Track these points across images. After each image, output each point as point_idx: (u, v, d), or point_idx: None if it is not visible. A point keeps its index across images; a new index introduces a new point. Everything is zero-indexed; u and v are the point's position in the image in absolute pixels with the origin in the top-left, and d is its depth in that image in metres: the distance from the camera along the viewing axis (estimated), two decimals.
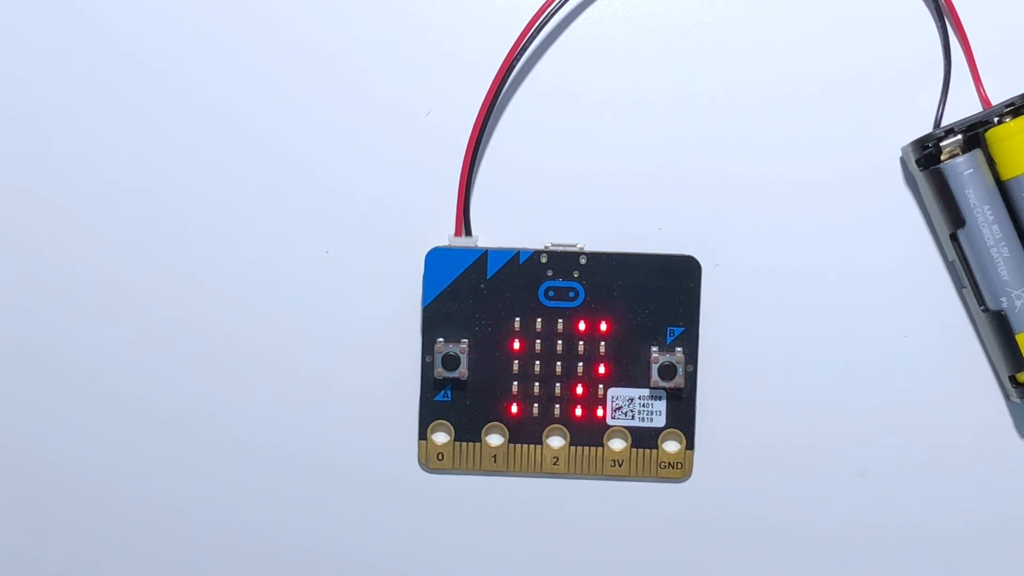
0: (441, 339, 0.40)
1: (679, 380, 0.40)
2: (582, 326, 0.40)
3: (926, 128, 0.40)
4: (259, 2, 0.41)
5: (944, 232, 0.39)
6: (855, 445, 0.41)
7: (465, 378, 0.40)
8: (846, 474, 0.41)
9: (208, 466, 0.41)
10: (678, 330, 0.40)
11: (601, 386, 0.40)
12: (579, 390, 0.40)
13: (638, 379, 0.40)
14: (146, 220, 0.41)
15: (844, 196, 0.40)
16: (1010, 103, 0.38)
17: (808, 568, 0.41)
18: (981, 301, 0.39)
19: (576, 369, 0.40)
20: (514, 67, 0.40)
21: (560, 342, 0.40)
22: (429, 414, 0.41)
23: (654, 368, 0.40)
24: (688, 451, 0.41)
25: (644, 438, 0.41)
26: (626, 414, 0.40)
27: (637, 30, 0.41)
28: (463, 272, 0.40)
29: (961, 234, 0.39)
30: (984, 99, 0.40)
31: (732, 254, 0.41)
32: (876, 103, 0.40)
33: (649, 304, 0.40)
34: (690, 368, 0.40)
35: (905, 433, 0.41)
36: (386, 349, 0.41)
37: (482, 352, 0.40)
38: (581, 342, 0.40)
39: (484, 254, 0.40)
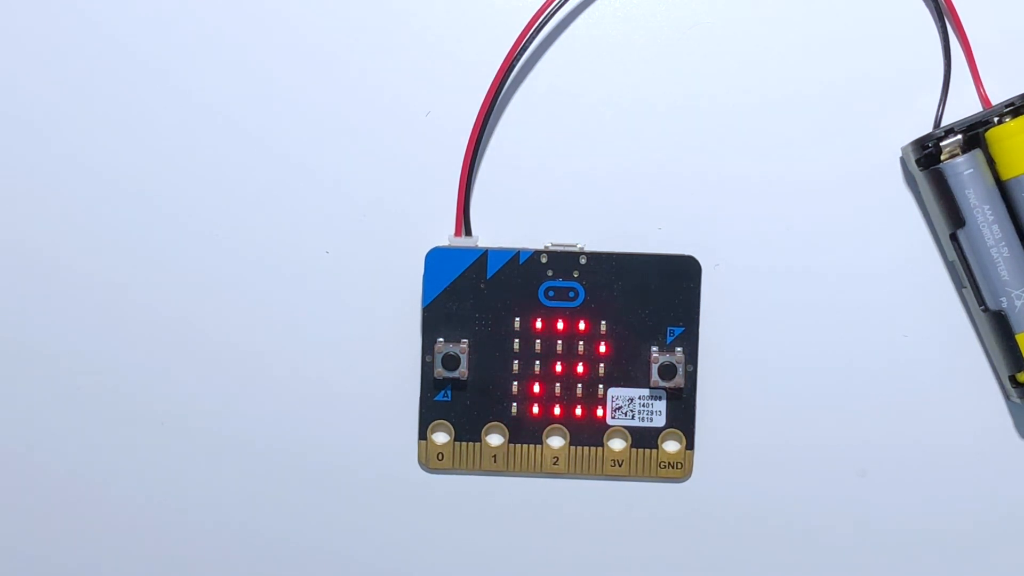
0: (441, 339, 0.40)
1: (679, 380, 0.40)
2: (582, 326, 0.40)
3: (926, 128, 0.40)
4: (259, 2, 0.41)
5: (944, 232, 0.39)
6: (855, 445, 0.41)
7: (465, 378, 0.40)
8: (846, 474, 0.41)
9: (208, 466, 0.41)
10: (678, 330, 0.40)
11: (601, 386, 0.40)
12: (579, 390, 0.40)
13: (638, 379, 0.40)
14: (146, 220, 0.41)
15: (844, 196, 0.40)
16: (1010, 103, 0.38)
17: (808, 568, 0.41)
18: (981, 301, 0.39)
19: (576, 369, 0.40)
20: (514, 67, 0.40)
21: (560, 342, 0.40)
22: (429, 414, 0.41)
23: (654, 368, 0.40)
24: (688, 451, 0.41)
25: (644, 438, 0.41)
26: (626, 414, 0.40)
27: (637, 30, 0.41)
28: (463, 272, 0.40)
29: (961, 234, 0.39)
30: (984, 99, 0.40)
31: (732, 254, 0.41)
32: (876, 103, 0.40)
33: (649, 304, 0.40)
34: (690, 368, 0.40)
35: (905, 433, 0.41)
36: (386, 349, 0.41)
37: (482, 352, 0.40)
38: (581, 342, 0.40)
39: (484, 254, 0.40)
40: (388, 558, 0.41)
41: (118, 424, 0.41)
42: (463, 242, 0.40)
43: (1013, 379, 0.39)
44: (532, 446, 0.41)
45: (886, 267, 0.40)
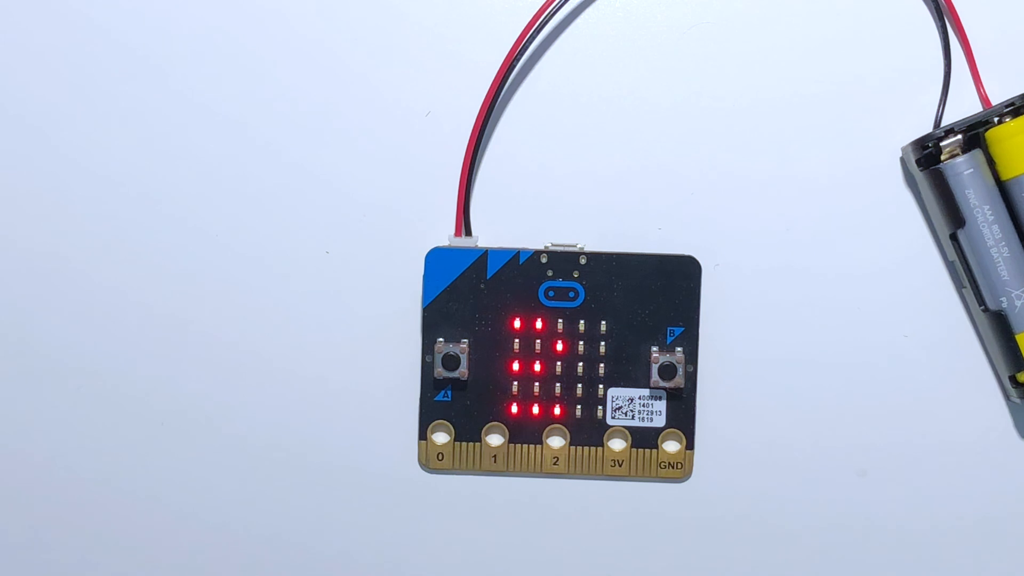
0: (441, 339, 0.40)
1: (679, 380, 0.40)
2: (582, 326, 0.40)
3: (926, 128, 0.40)
4: (259, 2, 0.41)
5: (944, 232, 0.39)
6: (855, 445, 0.41)
7: (465, 378, 0.40)
8: (846, 474, 0.41)
9: (208, 466, 0.41)
10: (678, 330, 0.40)
11: (601, 386, 0.40)
12: (579, 390, 0.40)
13: (638, 379, 0.40)
14: (147, 220, 0.41)
15: (844, 196, 0.40)
16: (1010, 103, 0.38)
17: (808, 568, 0.41)
18: (981, 301, 0.39)
19: (576, 369, 0.40)
20: (514, 67, 0.40)
21: (560, 342, 0.40)
22: (429, 414, 0.41)
23: (654, 368, 0.40)
24: (688, 451, 0.41)
25: (644, 438, 0.41)
26: (626, 414, 0.40)
27: (637, 30, 0.41)
28: (463, 272, 0.40)
29: (961, 234, 0.39)
30: (984, 99, 0.40)
31: (732, 254, 0.41)
32: (876, 103, 0.40)
33: (649, 304, 0.40)
34: (690, 368, 0.40)
35: (905, 433, 0.41)
36: (386, 349, 0.41)
37: (482, 352, 0.40)
38: (581, 342, 0.40)
39: (484, 254, 0.40)
40: (388, 558, 0.41)
41: (118, 424, 0.41)
42: (463, 242, 0.40)
43: (1013, 379, 0.39)
44: (532, 446, 0.41)
45: (886, 267, 0.40)
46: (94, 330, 0.41)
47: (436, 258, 0.40)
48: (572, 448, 0.41)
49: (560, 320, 0.40)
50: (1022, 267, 0.39)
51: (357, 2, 0.41)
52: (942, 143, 0.39)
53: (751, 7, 0.40)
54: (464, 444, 0.41)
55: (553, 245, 0.40)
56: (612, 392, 0.40)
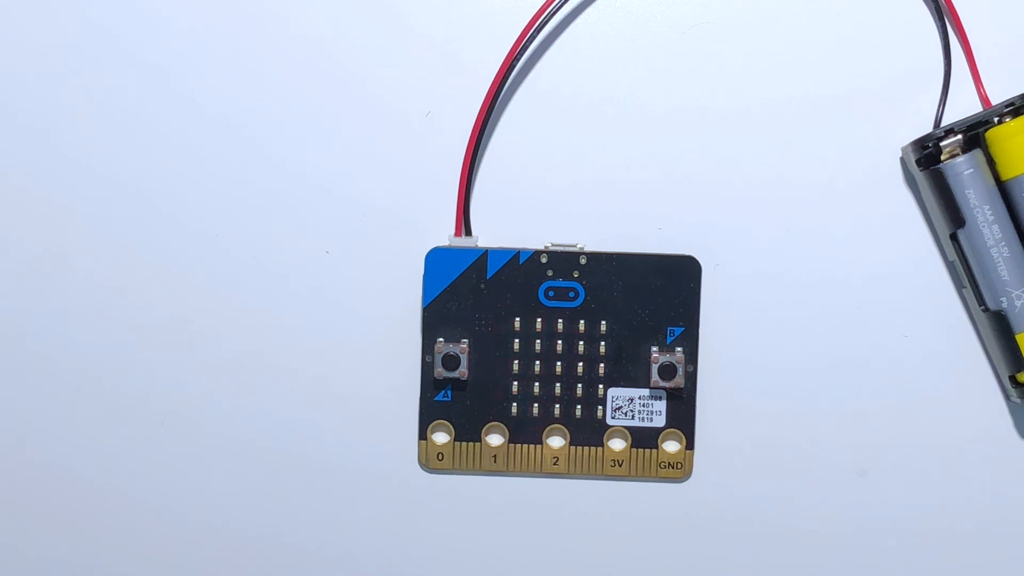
0: (441, 339, 0.40)
1: (679, 380, 0.40)
2: (582, 326, 0.40)
3: (926, 128, 0.40)
4: (259, 3, 0.41)
5: (944, 232, 0.39)
6: (855, 445, 0.41)
7: (465, 378, 0.40)
8: (846, 474, 0.41)
9: (208, 466, 0.41)
10: (678, 330, 0.40)
11: (601, 386, 0.40)
12: (579, 390, 0.40)
13: (638, 379, 0.40)
14: (147, 220, 0.41)
15: (844, 196, 0.40)
16: (1010, 103, 0.38)
17: (808, 568, 0.41)
18: (981, 301, 0.39)
19: (576, 369, 0.40)
20: (514, 67, 0.40)
21: (560, 342, 0.40)
22: (429, 414, 0.41)
23: (654, 368, 0.40)
24: (688, 451, 0.41)
25: (644, 438, 0.41)
26: (626, 414, 0.40)
27: (637, 30, 0.41)
28: (463, 272, 0.40)
29: (961, 234, 0.39)
30: (984, 99, 0.40)
31: (732, 254, 0.41)
32: (876, 103, 0.40)
33: (649, 304, 0.40)
34: (690, 368, 0.40)
35: (905, 433, 0.41)
36: (386, 349, 0.41)
37: (482, 352, 0.40)
38: (581, 342, 0.40)
39: (484, 254, 0.40)
40: (388, 558, 0.41)
41: (118, 424, 0.41)
42: (463, 242, 0.40)
43: (1013, 379, 0.39)
44: (532, 446, 0.41)
45: (886, 267, 0.40)
46: (94, 330, 0.41)
47: (436, 258, 0.40)
48: (572, 448, 0.41)
49: (560, 320, 0.40)
50: (1022, 267, 0.39)
51: (357, 2, 0.41)
52: (942, 143, 0.39)
53: (751, 7, 0.41)
54: (464, 444, 0.41)
55: (553, 245, 0.40)
56: (612, 392, 0.40)
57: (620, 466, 0.41)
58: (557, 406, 0.40)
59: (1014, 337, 0.39)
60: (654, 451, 0.41)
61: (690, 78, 0.41)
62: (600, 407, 0.40)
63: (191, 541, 0.41)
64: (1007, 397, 0.40)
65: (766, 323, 0.41)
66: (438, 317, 0.40)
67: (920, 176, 0.39)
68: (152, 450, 0.41)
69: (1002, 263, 0.39)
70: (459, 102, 0.40)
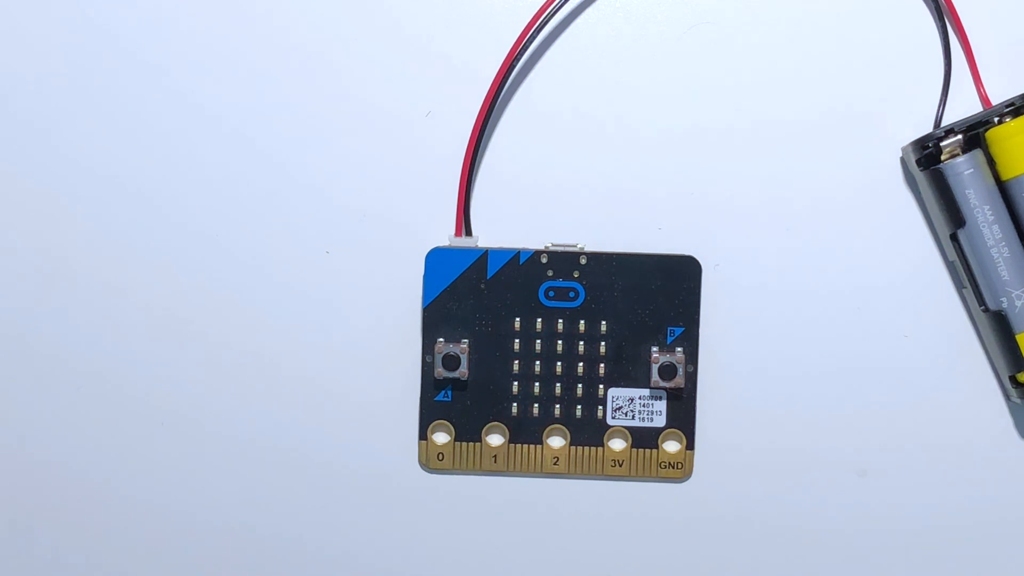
0: (441, 339, 0.40)
1: (679, 380, 0.40)
2: (582, 326, 0.40)
3: (926, 128, 0.40)
4: (260, 4, 0.41)
5: (944, 232, 0.39)
6: (855, 445, 0.41)
7: (465, 378, 0.40)
8: (846, 474, 0.41)
9: (208, 466, 0.41)
10: (678, 330, 0.40)
11: (601, 386, 0.40)
12: (579, 390, 0.40)
13: (638, 379, 0.40)
14: (147, 221, 0.41)
15: (844, 196, 0.40)
16: (1010, 103, 0.38)
17: (808, 568, 0.41)
18: (981, 301, 0.39)
19: (576, 369, 0.40)
20: (514, 67, 0.40)
21: (560, 342, 0.40)
22: (429, 414, 0.41)
23: (654, 368, 0.40)
24: (688, 451, 0.41)
25: (644, 438, 0.41)
26: (626, 414, 0.40)
27: (637, 30, 0.41)
28: (463, 272, 0.40)
29: (961, 234, 0.39)
30: (984, 99, 0.40)
31: (732, 254, 0.41)
32: (876, 103, 0.40)
33: (649, 304, 0.40)
34: (690, 368, 0.40)
35: (905, 433, 0.41)
36: (386, 349, 0.41)
37: (482, 352, 0.40)
38: (581, 342, 0.40)
39: (484, 254, 0.40)
40: (388, 558, 0.41)
41: (118, 424, 0.41)
42: (463, 242, 0.40)
43: (1013, 379, 0.39)
44: (532, 446, 0.41)
45: (886, 267, 0.40)
46: (94, 330, 0.41)
47: (436, 258, 0.40)
48: (572, 448, 0.41)
49: (560, 320, 0.40)
50: (1022, 267, 0.39)
51: (357, 3, 0.41)
52: (942, 143, 0.39)
53: (751, 7, 0.40)
54: (464, 444, 0.41)
55: (553, 245, 0.40)
56: (612, 392, 0.40)
57: (620, 466, 0.41)
58: (557, 406, 0.40)
59: (1014, 337, 0.39)
60: (654, 451, 0.41)
61: (690, 78, 0.40)
62: (600, 407, 0.40)
63: (191, 541, 0.41)
64: (1007, 397, 0.40)
65: (766, 323, 0.41)
66: (438, 317, 0.40)
67: (920, 176, 0.39)
68: (152, 450, 0.41)
69: (1002, 263, 0.39)
70: (459, 103, 0.40)
